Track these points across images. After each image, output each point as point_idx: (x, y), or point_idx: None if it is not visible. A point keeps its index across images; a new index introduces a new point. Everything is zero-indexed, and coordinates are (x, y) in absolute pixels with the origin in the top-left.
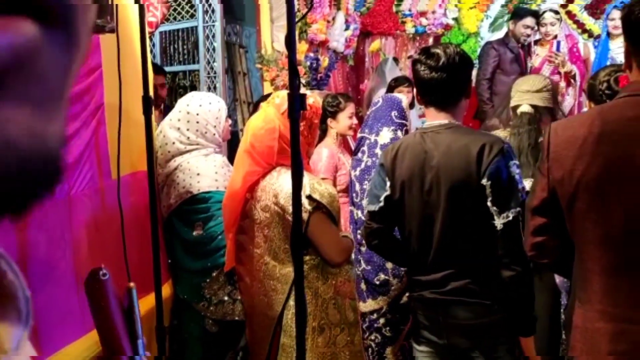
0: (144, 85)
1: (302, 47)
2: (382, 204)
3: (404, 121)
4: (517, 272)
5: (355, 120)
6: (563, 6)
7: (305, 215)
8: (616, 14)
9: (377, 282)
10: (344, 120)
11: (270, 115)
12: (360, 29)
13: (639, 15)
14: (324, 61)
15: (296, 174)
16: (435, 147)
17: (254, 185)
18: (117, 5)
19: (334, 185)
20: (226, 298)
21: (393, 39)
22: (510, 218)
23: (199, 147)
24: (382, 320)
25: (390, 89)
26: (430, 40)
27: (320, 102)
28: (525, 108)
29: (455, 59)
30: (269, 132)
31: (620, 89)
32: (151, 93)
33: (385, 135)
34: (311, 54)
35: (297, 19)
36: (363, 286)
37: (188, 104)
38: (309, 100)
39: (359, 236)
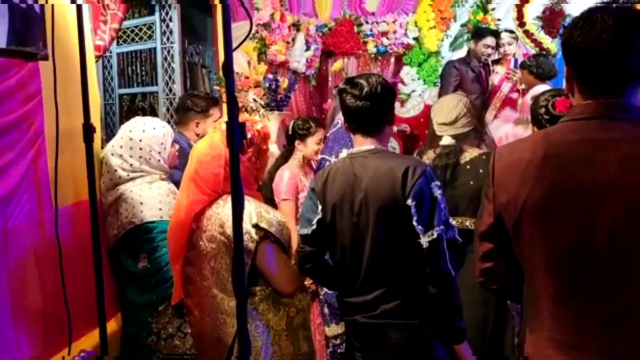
0: (84, 112)
1: (261, 69)
2: (314, 227)
3: None
4: (443, 287)
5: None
6: (521, 25)
7: (252, 245)
8: None
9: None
10: (311, 145)
11: (216, 141)
12: (323, 48)
13: (578, 40)
14: (284, 82)
15: (237, 204)
16: (363, 171)
17: (200, 215)
18: (53, 31)
19: (296, 208)
20: (175, 332)
21: (355, 59)
22: (435, 236)
23: (143, 174)
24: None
25: None
26: (392, 60)
27: (267, 126)
28: (446, 140)
29: (378, 88)
30: (215, 158)
31: (558, 113)
32: (94, 119)
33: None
34: (270, 75)
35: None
36: (326, 310)
37: (131, 129)
38: (257, 126)
39: None
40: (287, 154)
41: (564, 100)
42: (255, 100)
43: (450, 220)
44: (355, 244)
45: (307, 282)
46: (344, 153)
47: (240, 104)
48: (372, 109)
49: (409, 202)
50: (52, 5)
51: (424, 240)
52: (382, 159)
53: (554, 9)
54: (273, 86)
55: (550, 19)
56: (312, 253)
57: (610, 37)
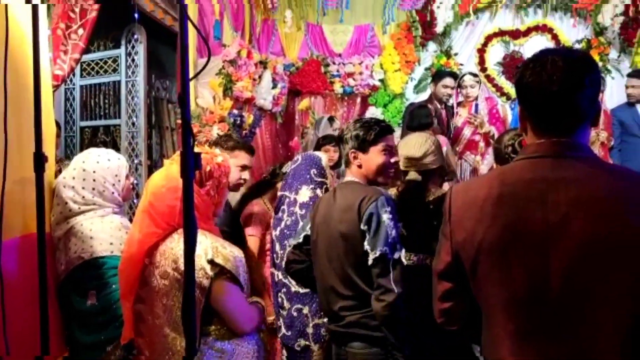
0: (36, 140)
1: (226, 104)
2: (300, 240)
3: (323, 179)
4: (385, 303)
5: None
6: (482, 70)
7: (207, 282)
8: None
9: (298, 348)
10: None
11: (173, 173)
12: (290, 87)
13: (529, 80)
14: (249, 118)
15: (189, 237)
16: (339, 199)
17: (153, 249)
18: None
19: (263, 244)
20: None
21: (322, 98)
22: (377, 255)
23: (95, 207)
24: None
25: (318, 146)
26: (358, 100)
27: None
28: (412, 175)
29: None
30: (171, 191)
31: None
32: (48, 149)
33: (305, 193)
34: (235, 111)
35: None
36: (284, 352)
37: (84, 160)
38: (218, 159)
39: (279, 299)
40: (256, 187)
41: None
42: (219, 135)
43: (412, 256)
44: (329, 262)
45: (270, 317)
46: (303, 189)
47: (205, 139)
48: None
49: (362, 226)
50: (7, 30)
51: (370, 258)
52: (352, 189)
53: (514, 55)
54: (238, 121)
55: (511, 65)
56: (298, 261)
57: (560, 78)
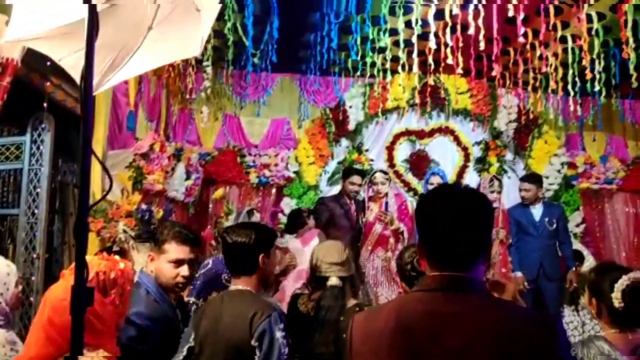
0: None
1: (134, 198)
2: (184, 353)
3: None
4: None
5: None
6: (391, 166)
7: None
8: (434, 180)
9: None
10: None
11: None
12: (205, 176)
13: (424, 218)
14: (158, 212)
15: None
16: (226, 310)
17: None
18: None
19: None
20: None
21: (237, 188)
22: None
23: None
24: None
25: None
26: (273, 191)
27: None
28: (334, 281)
29: (251, 238)
30: None
31: (422, 271)
32: None
33: None
34: (144, 206)
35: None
36: None
37: None
38: (120, 266)
39: None
40: None
41: None
42: (125, 231)
43: None
44: None
45: None
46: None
47: (108, 235)
48: (246, 254)
49: (253, 342)
50: None
51: None
52: (242, 300)
53: (419, 153)
54: (146, 217)
55: (416, 162)
56: None
57: (453, 219)
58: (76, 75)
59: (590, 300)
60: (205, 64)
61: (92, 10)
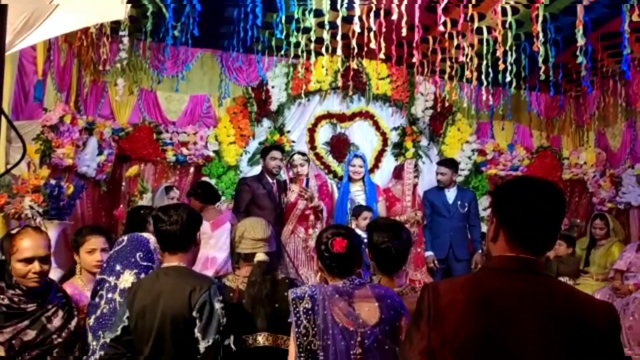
0: None
1: (43, 173)
2: (118, 333)
3: (150, 263)
4: None
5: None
6: (312, 148)
7: None
8: (356, 162)
9: None
10: (83, 256)
11: None
12: (118, 153)
13: (515, 206)
14: (69, 188)
15: None
16: (165, 285)
17: None
18: None
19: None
20: None
21: (153, 165)
22: (210, 343)
23: None
24: None
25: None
26: (192, 170)
27: None
28: (262, 257)
29: (184, 216)
30: None
31: (334, 252)
32: None
33: (127, 279)
34: (52, 181)
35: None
36: None
37: None
38: None
39: None
40: (73, 266)
41: (341, 240)
42: (32, 207)
43: (266, 335)
44: (153, 349)
45: None
46: (126, 274)
47: (13, 210)
48: (183, 230)
49: (194, 313)
50: None
51: (202, 346)
52: (179, 276)
53: (340, 137)
54: (55, 192)
55: (337, 145)
56: (117, 355)
57: (543, 209)
58: None
59: None
60: (121, 33)
61: None
